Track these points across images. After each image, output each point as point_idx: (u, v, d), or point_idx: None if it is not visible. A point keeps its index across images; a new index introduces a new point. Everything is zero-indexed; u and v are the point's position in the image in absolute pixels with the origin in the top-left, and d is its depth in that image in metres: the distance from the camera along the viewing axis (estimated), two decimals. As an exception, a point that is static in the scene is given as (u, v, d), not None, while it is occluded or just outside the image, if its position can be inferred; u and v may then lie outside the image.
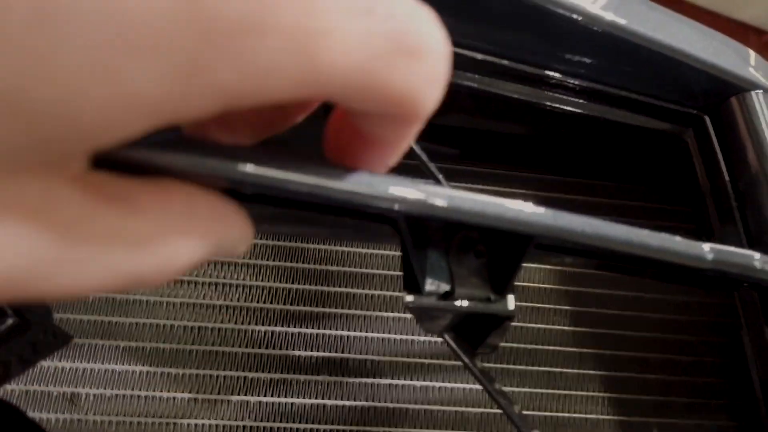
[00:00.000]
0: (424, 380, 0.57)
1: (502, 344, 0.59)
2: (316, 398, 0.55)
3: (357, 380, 0.56)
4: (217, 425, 0.53)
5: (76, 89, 0.11)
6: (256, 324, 0.56)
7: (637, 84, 0.53)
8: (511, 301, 0.28)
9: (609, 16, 0.48)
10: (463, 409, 0.57)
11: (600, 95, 0.53)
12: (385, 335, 0.58)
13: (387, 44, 0.14)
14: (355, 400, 0.55)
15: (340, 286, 0.59)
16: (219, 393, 0.54)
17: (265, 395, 0.54)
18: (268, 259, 0.59)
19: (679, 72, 0.51)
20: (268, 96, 0.13)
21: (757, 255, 0.31)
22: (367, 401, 0.55)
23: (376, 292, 0.59)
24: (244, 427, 0.53)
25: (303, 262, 0.59)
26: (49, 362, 0.52)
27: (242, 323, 0.56)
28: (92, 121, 0.12)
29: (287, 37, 0.13)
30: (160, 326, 0.55)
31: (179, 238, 0.15)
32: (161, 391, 0.53)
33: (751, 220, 0.49)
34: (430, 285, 0.27)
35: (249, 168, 0.16)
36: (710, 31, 0.55)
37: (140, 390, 0.53)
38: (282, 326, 0.57)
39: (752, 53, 0.56)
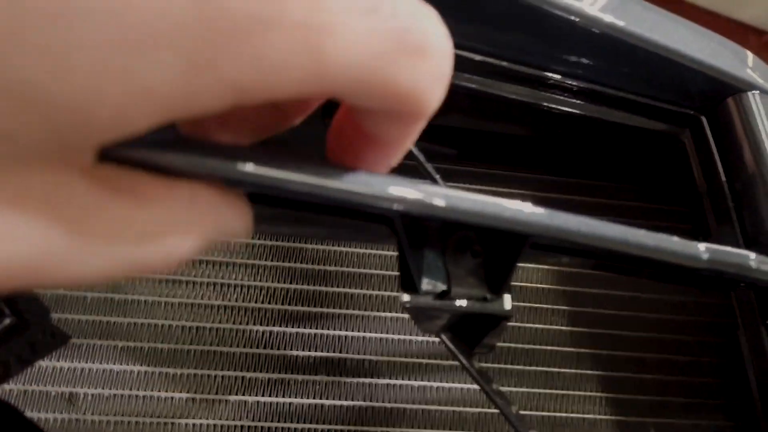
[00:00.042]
0: (421, 380, 0.57)
1: (500, 344, 0.59)
2: (314, 398, 0.55)
3: (355, 380, 0.56)
4: (215, 425, 0.53)
5: (91, 85, 0.12)
6: (254, 324, 0.56)
7: (634, 85, 0.53)
8: (507, 301, 0.29)
9: (606, 17, 0.48)
10: (461, 409, 0.57)
11: (597, 96, 0.53)
12: (383, 335, 0.58)
13: (391, 42, 0.15)
14: (353, 400, 0.55)
15: (338, 286, 0.59)
16: (217, 393, 0.54)
17: (263, 395, 0.54)
18: (266, 260, 0.59)
19: (676, 73, 0.51)
20: (276, 92, 0.14)
21: (752, 255, 0.31)
22: (365, 401, 0.56)
23: (374, 293, 0.59)
24: (242, 427, 0.53)
25: (301, 262, 0.59)
26: (47, 362, 0.52)
27: (240, 323, 0.56)
28: (106, 116, 0.12)
29: (294, 33, 0.13)
30: (158, 326, 0.55)
31: (183, 228, 0.16)
32: (159, 391, 0.53)
33: (747, 221, 0.49)
34: (426, 285, 0.27)
35: (248, 168, 0.16)
36: (707, 31, 0.55)
37: (138, 390, 0.53)
38: (280, 326, 0.57)
39: (749, 54, 0.56)
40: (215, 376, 0.54)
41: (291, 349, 0.56)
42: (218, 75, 0.13)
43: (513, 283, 0.62)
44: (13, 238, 0.13)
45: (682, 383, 0.62)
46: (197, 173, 0.16)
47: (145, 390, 0.53)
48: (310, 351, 0.56)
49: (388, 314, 0.59)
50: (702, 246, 0.28)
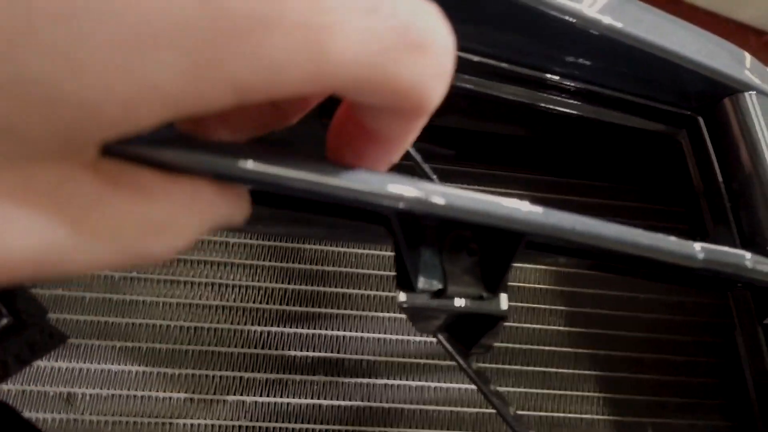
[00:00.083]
0: (419, 380, 0.57)
1: (497, 344, 0.60)
2: (312, 398, 0.55)
3: (353, 380, 0.56)
4: (213, 425, 0.53)
5: (98, 82, 0.12)
6: (252, 324, 0.57)
7: (631, 85, 0.53)
8: (504, 301, 0.29)
9: (603, 18, 0.48)
10: (459, 409, 0.57)
11: (594, 97, 0.53)
12: (381, 335, 0.58)
13: (392, 40, 0.15)
14: (350, 400, 0.55)
15: (335, 287, 0.59)
16: (215, 393, 0.54)
17: (261, 395, 0.54)
18: (264, 260, 0.59)
19: (673, 73, 0.51)
20: (278, 90, 0.14)
21: (748, 255, 0.31)
22: (362, 401, 0.56)
23: (372, 293, 0.59)
24: (240, 427, 0.53)
25: (299, 263, 0.59)
26: (46, 362, 0.52)
27: (238, 323, 0.56)
28: (112, 112, 0.12)
29: (295, 33, 0.13)
30: (157, 326, 0.55)
31: (184, 219, 0.16)
32: (157, 391, 0.53)
33: (744, 221, 0.49)
34: (423, 283, 0.27)
35: (248, 165, 0.16)
36: (704, 32, 0.55)
37: (136, 390, 0.53)
38: (278, 326, 0.57)
39: (747, 55, 0.56)
40: (213, 376, 0.54)
41: (289, 350, 0.56)
42: (221, 74, 0.13)
43: (510, 284, 0.62)
44: (19, 231, 0.13)
45: (679, 383, 0.62)
46: (198, 170, 0.16)
47: (143, 390, 0.53)
48: (308, 351, 0.56)
49: (386, 314, 0.59)
50: (698, 246, 0.28)
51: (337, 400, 0.55)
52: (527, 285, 0.63)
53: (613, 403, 0.60)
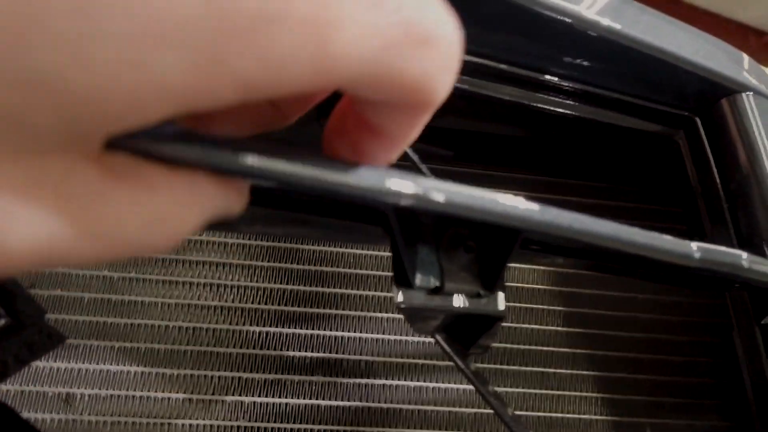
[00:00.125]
0: (417, 380, 0.57)
1: (496, 345, 0.60)
2: (310, 398, 0.55)
3: (351, 381, 0.56)
4: (211, 425, 0.53)
5: (107, 76, 0.12)
6: (251, 325, 0.57)
7: (628, 86, 0.53)
8: (501, 302, 0.29)
9: (601, 19, 0.49)
10: (457, 409, 0.57)
11: (592, 97, 0.53)
12: (379, 336, 0.58)
13: (397, 34, 0.15)
14: (349, 400, 0.56)
15: (333, 287, 0.59)
16: (213, 393, 0.54)
17: (259, 395, 0.54)
18: (262, 260, 0.59)
19: (671, 74, 0.52)
20: (284, 86, 0.14)
21: (744, 254, 0.31)
22: (361, 401, 0.56)
23: (370, 293, 0.59)
24: (238, 427, 0.53)
25: (297, 263, 0.59)
26: (44, 362, 0.52)
27: (237, 324, 0.56)
28: (119, 106, 0.13)
29: (300, 29, 0.13)
30: (155, 327, 0.55)
31: (184, 212, 0.16)
32: (156, 391, 0.53)
33: (741, 221, 0.49)
34: (420, 280, 0.27)
35: (246, 159, 0.16)
36: (701, 33, 0.55)
37: (135, 390, 0.53)
38: (276, 327, 0.57)
39: (744, 56, 0.57)
40: (212, 377, 0.54)
41: (287, 350, 0.56)
42: (227, 70, 0.13)
43: (508, 284, 0.63)
44: (22, 224, 0.13)
45: (677, 383, 0.62)
46: (197, 163, 0.16)
47: (141, 390, 0.53)
48: (306, 351, 0.56)
49: (384, 315, 0.59)
50: (694, 245, 0.28)
51: (336, 400, 0.55)
52: (525, 285, 0.63)
53: (611, 403, 0.60)
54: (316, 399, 0.55)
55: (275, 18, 0.13)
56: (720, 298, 0.53)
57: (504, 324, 0.60)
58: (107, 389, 0.52)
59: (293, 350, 0.56)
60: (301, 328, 0.57)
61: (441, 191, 0.20)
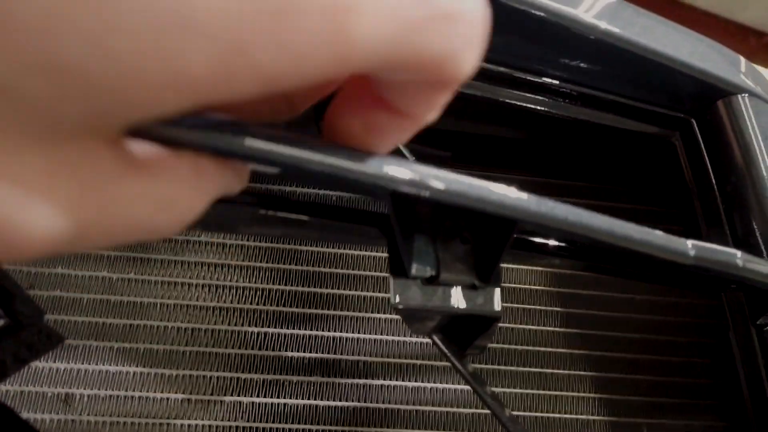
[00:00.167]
0: (415, 381, 0.57)
1: (493, 345, 0.60)
2: (308, 399, 0.55)
3: (349, 381, 0.56)
4: (210, 425, 0.53)
5: (131, 67, 0.12)
6: (249, 325, 0.57)
7: (624, 88, 0.53)
8: (497, 302, 0.29)
9: (597, 22, 0.49)
10: (455, 409, 0.57)
11: (588, 99, 0.53)
12: (377, 336, 0.58)
13: (419, 11, 0.14)
14: (347, 400, 0.56)
15: (332, 288, 0.59)
16: (212, 394, 0.54)
17: (257, 396, 0.54)
18: (260, 261, 0.59)
19: (667, 76, 0.52)
20: (305, 76, 0.14)
21: (739, 253, 0.31)
22: (359, 402, 0.56)
23: (368, 294, 0.59)
24: (237, 427, 0.53)
25: (295, 264, 0.59)
26: (43, 363, 0.52)
27: (235, 324, 0.57)
28: (142, 96, 0.13)
29: (321, 16, 0.13)
30: (154, 327, 0.55)
31: (192, 194, 0.16)
32: (155, 391, 0.53)
33: (737, 222, 0.49)
34: (416, 270, 0.27)
35: (248, 142, 0.16)
36: (697, 35, 0.55)
37: (134, 390, 0.53)
38: (275, 327, 0.57)
39: (741, 58, 0.57)
40: (210, 377, 0.54)
41: (285, 351, 0.56)
42: (249, 62, 0.13)
43: (506, 285, 0.63)
44: (42, 210, 0.13)
45: (674, 384, 0.62)
46: (201, 146, 0.16)
47: (140, 391, 0.53)
48: (304, 352, 0.57)
49: (383, 315, 0.59)
50: (689, 243, 0.28)
51: (334, 400, 0.55)
52: (523, 286, 0.63)
53: (608, 403, 0.61)
54: (315, 399, 0.55)
55: (296, 8, 0.13)
56: (716, 299, 0.53)
57: (501, 325, 0.61)
58: (106, 389, 0.53)
59: (291, 351, 0.56)
60: (299, 329, 0.57)
61: (439, 179, 0.20)
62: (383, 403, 0.56)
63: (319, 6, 0.13)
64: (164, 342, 0.55)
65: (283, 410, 0.54)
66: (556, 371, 0.61)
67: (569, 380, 0.61)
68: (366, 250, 0.60)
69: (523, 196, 0.22)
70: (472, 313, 0.29)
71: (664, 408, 0.61)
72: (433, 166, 0.20)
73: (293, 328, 0.57)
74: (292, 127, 0.22)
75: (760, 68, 0.59)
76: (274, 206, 0.25)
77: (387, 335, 0.58)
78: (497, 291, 0.29)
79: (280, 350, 0.56)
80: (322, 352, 0.57)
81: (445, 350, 0.32)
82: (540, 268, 0.64)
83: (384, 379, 0.57)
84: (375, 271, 0.60)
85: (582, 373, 0.61)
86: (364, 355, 0.57)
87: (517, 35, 0.50)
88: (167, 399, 0.53)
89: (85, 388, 0.52)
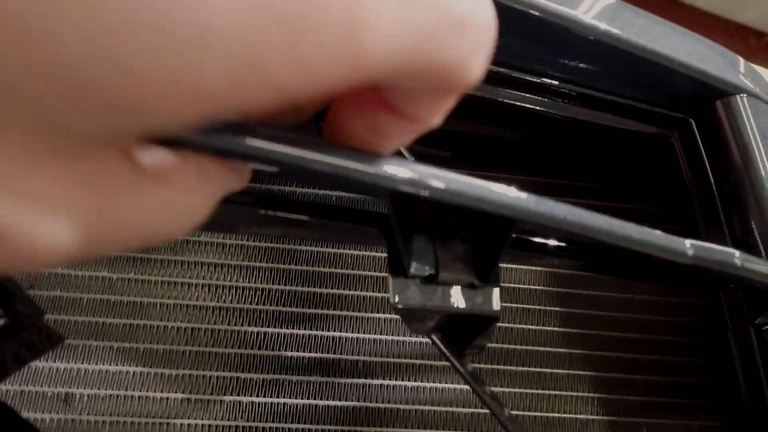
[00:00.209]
0: (415, 381, 0.58)
1: (493, 345, 0.60)
2: (308, 399, 0.55)
3: (349, 381, 0.56)
4: (209, 425, 0.53)
5: (149, 80, 0.12)
6: (249, 325, 0.57)
7: (623, 88, 0.54)
8: (496, 302, 0.29)
9: (596, 22, 0.49)
10: (454, 409, 0.57)
11: (588, 100, 0.54)
12: (377, 336, 0.58)
13: (431, 22, 0.14)
14: (346, 400, 0.56)
15: (331, 288, 0.59)
16: (212, 393, 0.54)
17: (257, 396, 0.55)
18: (260, 261, 0.59)
19: (666, 77, 0.52)
20: (318, 88, 0.14)
21: (737, 253, 0.31)
22: (358, 401, 0.56)
23: (368, 294, 0.59)
24: (236, 427, 0.53)
25: (295, 264, 0.59)
26: (43, 363, 0.52)
27: (235, 324, 0.57)
28: (158, 109, 0.13)
29: (336, 29, 0.13)
30: (154, 327, 0.55)
31: (198, 198, 0.17)
32: (155, 391, 0.53)
33: (736, 223, 0.50)
34: (415, 268, 0.27)
35: (252, 143, 0.16)
36: (696, 35, 0.55)
37: (134, 390, 0.53)
38: (274, 327, 0.57)
39: (739, 58, 0.57)
40: (210, 377, 0.55)
41: (285, 350, 0.56)
42: (264, 75, 0.13)
43: (505, 285, 0.63)
44: (55, 221, 0.13)
45: (674, 384, 0.62)
46: (205, 148, 0.16)
47: (140, 390, 0.53)
48: (304, 352, 0.57)
49: (382, 315, 0.59)
50: (688, 242, 0.28)
51: (333, 400, 0.56)
52: (522, 286, 0.63)
53: (608, 403, 0.61)
54: (314, 399, 0.55)
55: (312, 21, 0.13)
56: (715, 299, 0.54)
57: (501, 324, 0.61)
58: (106, 389, 0.53)
59: (291, 350, 0.57)
60: (298, 329, 0.57)
61: (438, 178, 0.20)
62: (383, 402, 0.56)
63: (336, 20, 0.13)
64: (164, 342, 0.55)
65: (282, 410, 0.54)
66: (555, 371, 0.61)
67: (568, 380, 0.61)
68: (366, 250, 0.61)
69: (523, 195, 0.22)
70: (471, 312, 0.29)
71: (663, 408, 0.61)
72: (433, 165, 0.21)
73: (293, 328, 0.57)
74: (291, 127, 0.22)
75: (759, 68, 0.59)
76: (274, 206, 0.25)
77: (386, 335, 0.59)
78: (496, 290, 0.29)
79: (279, 350, 0.56)
80: (322, 352, 0.57)
81: (444, 350, 0.33)
82: (539, 268, 0.64)
83: (383, 379, 0.57)
84: (374, 271, 0.60)
85: (581, 372, 0.61)
86: (364, 355, 0.58)
87: (516, 36, 0.50)
88: (167, 399, 0.53)
89: (85, 388, 0.52)
